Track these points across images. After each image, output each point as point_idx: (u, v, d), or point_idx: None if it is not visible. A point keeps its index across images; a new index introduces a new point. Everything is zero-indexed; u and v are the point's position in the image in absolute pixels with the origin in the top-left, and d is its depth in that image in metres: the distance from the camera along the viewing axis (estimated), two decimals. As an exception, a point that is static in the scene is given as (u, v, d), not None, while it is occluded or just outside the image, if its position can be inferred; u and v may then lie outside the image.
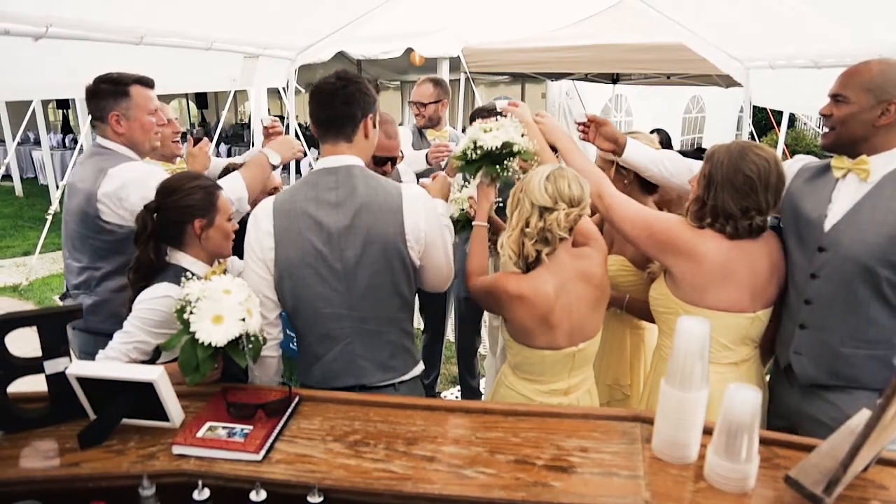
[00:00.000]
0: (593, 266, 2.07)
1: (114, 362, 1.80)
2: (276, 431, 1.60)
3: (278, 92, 5.46)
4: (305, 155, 2.88)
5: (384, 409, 1.73)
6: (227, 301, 1.71)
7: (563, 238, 1.97)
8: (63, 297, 2.56)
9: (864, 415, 1.38)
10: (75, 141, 11.30)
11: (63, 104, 14.36)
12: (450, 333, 4.33)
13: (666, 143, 5.58)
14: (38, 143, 11.59)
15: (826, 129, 1.98)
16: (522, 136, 2.26)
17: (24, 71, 2.88)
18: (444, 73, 7.09)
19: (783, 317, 2.11)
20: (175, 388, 1.63)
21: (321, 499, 1.37)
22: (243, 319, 1.71)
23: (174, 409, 1.62)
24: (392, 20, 5.59)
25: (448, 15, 7.13)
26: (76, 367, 1.59)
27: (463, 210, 2.88)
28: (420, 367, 2.13)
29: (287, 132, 5.90)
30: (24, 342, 1.68)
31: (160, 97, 2.57)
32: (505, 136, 2.21)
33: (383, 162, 2.60)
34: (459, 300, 3.83)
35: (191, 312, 1.69)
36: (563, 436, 1.59)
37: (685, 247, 2.02)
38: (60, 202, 7.18)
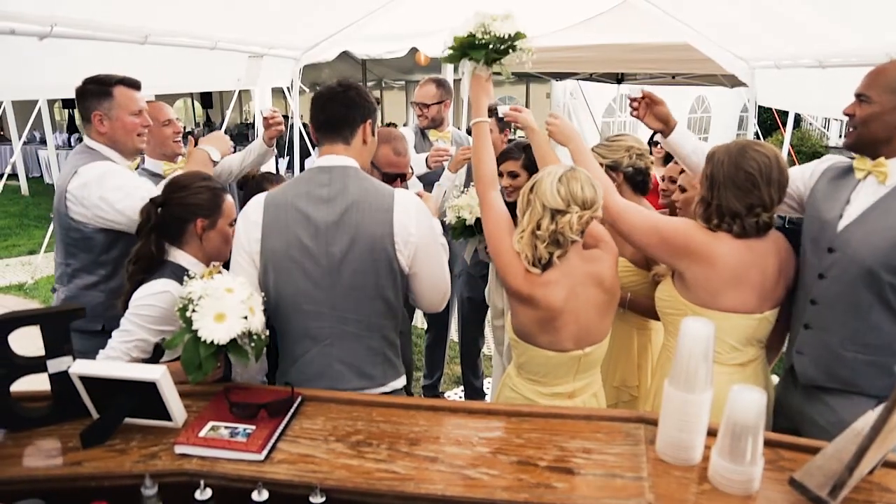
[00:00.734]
0: (604, 269, 2.03)
1: (116, 361, 1.81)
2: (279, 431, 1.59)
3: (283, 91, 5.47)
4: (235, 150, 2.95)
5: (387, 410, 1.72)
6: (230, 299, 1.70)
7: (574, 241, 1.94)
8: (54, 290, 2.59)
9: (869, 417, 1.36)
10: (81, 140, 11.30)
11: (69, 103, 14.41)
12: (453, 333, 4.32)
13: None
14: (43, 142, 11.64)
15: (849, 129, 1.96)
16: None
17: (29, 70, 2.89)
18: (448, 73, 7.08)
19: (792, 317, 2.10)
20: (177, 387, 1.62)
21: (323, 499, 1.36)
22: (245, 318, 1.71)
23: (177, 409, 1.61)
24: (397, 20, 5.59)
25: (453, 14, 7.11)
26: (79, 367, 1.59)
27: (460, 217, 2.88)
28: (401, 381, 2.06)
29: (291, 132, 5.93)
30: (27, 341, 1.68)
31: (165, 97, 2.59)
32: (514, 29, 2.15)
33: (393, 179, 2.57)
34: (462, 300, 3.83)
35: (193, 311, 1.69)
36: (566, 437, 1.58)
37: (699, 250, 1.99)
38: (66, 201, 7.23)
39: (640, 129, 10.16)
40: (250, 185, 2.79)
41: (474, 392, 4.05)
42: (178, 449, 1.52)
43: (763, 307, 2.01)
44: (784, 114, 7.11)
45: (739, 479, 1.35)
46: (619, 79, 9.05)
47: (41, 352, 1.63)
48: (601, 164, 2.45)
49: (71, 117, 14.71)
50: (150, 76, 3.66)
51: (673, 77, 7.98)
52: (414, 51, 7.15)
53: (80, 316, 1.68)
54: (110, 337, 1.89)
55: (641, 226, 2.09)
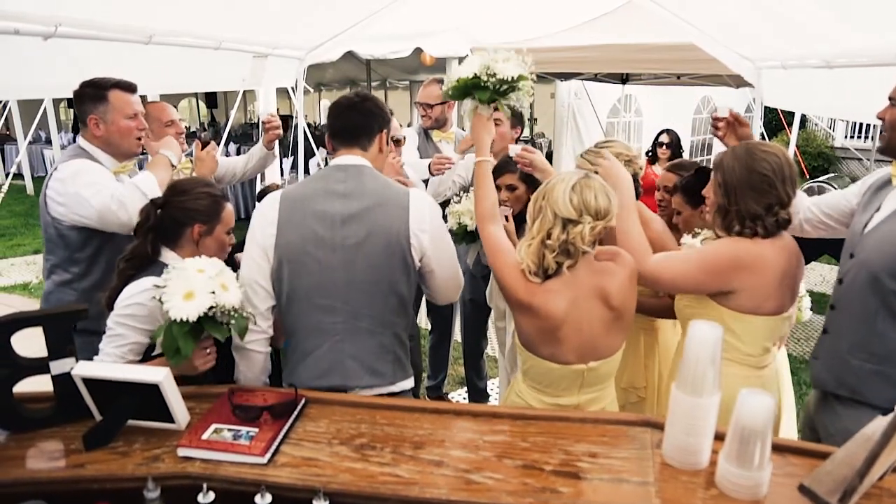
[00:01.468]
0: (612, 284, 1.90)
1: (118, 364, 1.80)
2: (282, 434, 1.58)
3: (287, 91, 5.46)
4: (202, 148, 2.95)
5: (391, 412, 1.71)
6: (198, 277, 1.74)
7: (585, 252, 1.86)
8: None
9: (879, 422, 1.35)
10: (86, 140, 11.33)
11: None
12: (457, 335, 4.31)
13: (676, 143, 5.58)
14: (49, 141, 11.69)
15: (881, 133, 1.96)
16: (531, 74, 2.20)
17: (34, 70, 2.89)
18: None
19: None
20: (181, 389, 1.62)
21: (327, 503, 1.35)
22: (213, 292, 1.73)
23: (179, 411, 1.61)
24: (401, 20, 5.57)
25: (457, 14, 7.10)
26: (82, 368, 1.58)
27: (460, 223, 2.86)
28: (410, 383, 2.07)
29: (296, 131, 5.93)
30: (29, 342, 1.68)
31: (170, 97, 2.59)
32: (517, 70, 2.14)
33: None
34: (465, 302, 3.81)
35: (163, 292, 1.72)
36: (571, 440, 1.57)
37: (750, 262, 1.93)
38: (70, 201, 7.24)
39: (645, 132, 10.14)
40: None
41: (477, 393, 4.04)
42: (181, 451, 1.52)
43: (790, 304, 2.01)
44: (789, 114, 7.08)
45: (747, 484, 1.34)
46: (623, 79, 9.03)
47: (44, 352, 1.63)
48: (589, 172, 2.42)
49: (76, 117, 14.75)
50: (154, 76, 3.68)
51: (678, 77, 7.95)
52: (418, 51, 7.14)
53: (83, 317, 1.68)
54: (79, 335, 1.83)
55: (685, 273, 1.99)
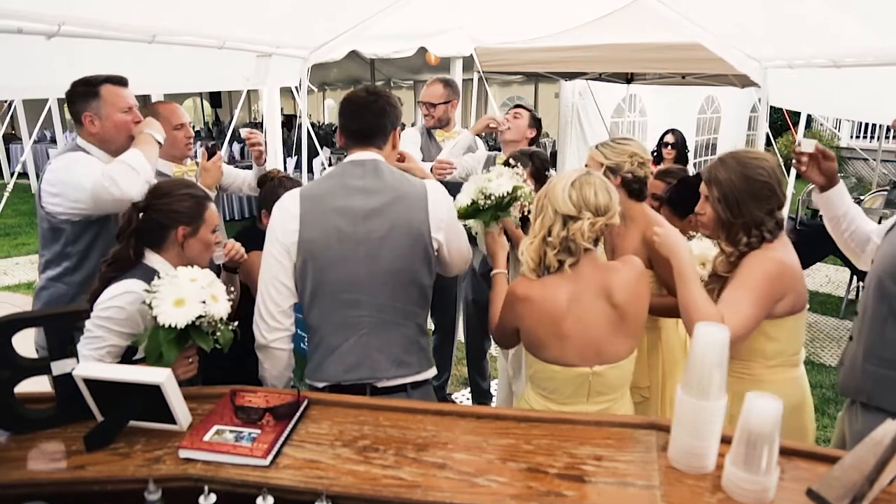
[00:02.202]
0: (616, 281, 1.89)
1: (119, 365, 1.80)
2: (284, 436, 1.57)
3: (291, 91, 5.46)
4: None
5: (394, 414, 1.70)
6: (190, 286, 1.74)
7: (587, 249, 1.85)
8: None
9: (889, 426, 1.33)
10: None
11: (79, 103, 14.48)
12: (460, 335, 4.30)
13: (681, 143, 5.56)
14: (54, 141, 11.70)
15: None
16: (525, 181, 2.38)
17: (38, 70, 2.89)
18: (457, 73, 7.06)
19: None
20: (182, 390, 1.61)
21: (329, 506, 1.34)
22: (204, 302, 1.73)
23: (181, 412, 1.60)
24: (405, 19, 5.57)
25: (461, 14, 7.10)
26: (83, 369, 1.58)
27: (466, 227, 2.86)
28: (433, 371, 2.12)
29: (300, 131, 5.92)
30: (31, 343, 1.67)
31: (174, 96, 2.59)
32: (510, 183, 2.31)
33: None
34: (468, 303, 3.80)
35: (154, 298, 1.72)
36: (576, 443, 1.55)
37: (782, 268, 1.91)
38: (75, 200, 7.25)
39: (649, 132, 10.11)
40: (269, 185, 2.80)
41: (481, 394, 4.03)
42: (183, 453, 1.50)
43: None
44: (794, 114, 7.04)
45: (754, 488, 1.32)
46: (628, 79, 9.00)
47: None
48: (601, 164, 2.41)
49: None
50: (158, 75, 3.68)
51: (683, 77, 7.93)
52: (423, 50, 7.13)
53: (84, 317, 1.67)
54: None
55: (746, 319, 1.86)
